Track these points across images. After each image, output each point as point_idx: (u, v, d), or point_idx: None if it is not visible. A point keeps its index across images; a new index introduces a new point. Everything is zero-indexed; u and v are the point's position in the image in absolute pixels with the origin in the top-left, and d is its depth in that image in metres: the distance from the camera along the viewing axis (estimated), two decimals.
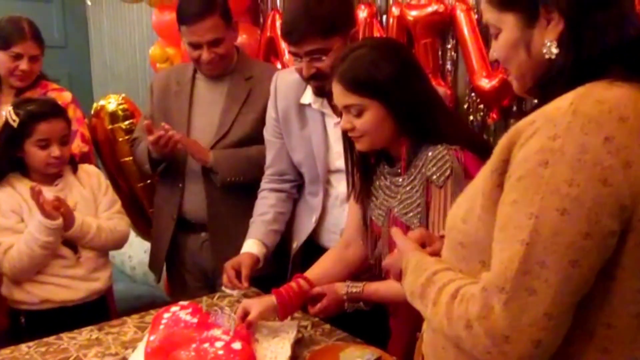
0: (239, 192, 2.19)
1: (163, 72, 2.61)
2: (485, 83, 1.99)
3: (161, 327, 1.55)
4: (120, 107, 2.85)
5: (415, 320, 1.49)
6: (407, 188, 1.51)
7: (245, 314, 1.56)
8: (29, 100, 2.17)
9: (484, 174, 0.98)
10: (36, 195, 1.90)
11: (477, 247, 0.98)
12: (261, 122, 2.10)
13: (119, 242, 2.20)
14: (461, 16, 2.04)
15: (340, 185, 1.87)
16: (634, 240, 0.87)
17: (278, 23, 2.63)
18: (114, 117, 2.83)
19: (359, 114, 1.47)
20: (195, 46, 2.14)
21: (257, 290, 1.90)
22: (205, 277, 2.34)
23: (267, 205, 2.03)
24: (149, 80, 2.90)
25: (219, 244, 2.22)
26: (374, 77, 1.44)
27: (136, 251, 3.57)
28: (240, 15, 2.62)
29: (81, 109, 2.64)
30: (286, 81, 1.97)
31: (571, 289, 0.86)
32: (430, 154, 1.45)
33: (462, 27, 2.03)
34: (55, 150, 2.02)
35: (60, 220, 1.95)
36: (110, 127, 2.82)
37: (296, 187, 2.07)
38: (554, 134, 0.86)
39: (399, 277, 1.16)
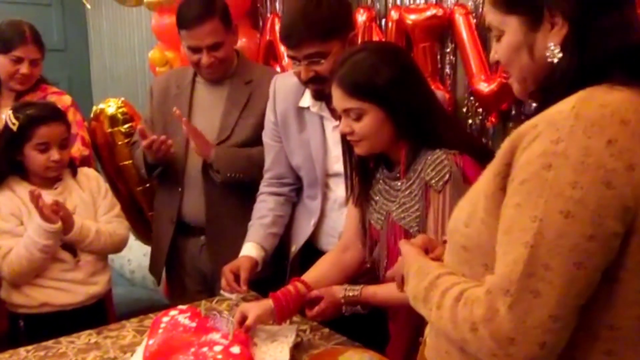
0: (238, 195, 2.19)
1: (163, 75, 2.62)
2: (484, 87, 1.99)
3: (160, 331, 1.55)
4: (120, 110, 2.85)
5: (414, 324, 1.50)
6: (406, 192, 1.51)
7: (244, 317, 1.56)
8: (28, 103, 2.17)
9: (487, 178, 0.98)
10: (35, 199, 1.90)
11: (480, 250, 0.99)
12: (261, 125, 2.09)
13: (118, 246, 2.20)
14: (460, 20, 2.04)
15: (338, 189, 1.87)
16: (637, 242, 0.87)
17: (277, 26, 2.63)
18: (113, 120, 2.83)
19: (358, 118, 1.47)
20: (195, 50, 2.14)
21: (255, 293, 1.90)
22: (204, 281, 2.33)
23: (265, 208, 2.03)
24: (149, 83, 2.91)
25: (218, 247, 2.22)
26: (373, 81, 1.44)
27: (135, 255, 3.57)
28: (239, 19, 2.63)
29: (81, 113, 2.64)
30: (285, 84, 1.97)
31: (576, 291, 0.86)
32: (429, 158, 1.45)
33: (461, 31, 2.04)
34: (54, 154, 2.02)
35: (59, 224, 1.95)
36: (109, 130, 2.82)
37: (295, 190, 2.07)
38: (556, 137, 0.87)
39: (402, 284, 1.16)
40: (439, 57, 2.16)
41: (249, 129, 2.20)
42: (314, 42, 1.71)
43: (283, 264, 2.06)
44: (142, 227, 2.91)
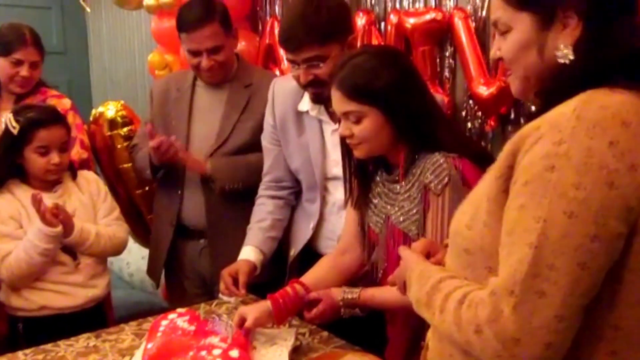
0: (238, 198, 2.19)
1: (163, 78, 2.62)
2: (483, 90, 2.00)
3: (159, 334, 1.55)
4: (119, 113, 2.85)
5: (412, 327, 1.50)
6: (405, 195, 1.51)
7: (243, 321, 1.55)
8: (28, 107, 2.17)
9: (489, 180, 0.98)
10: (37, 203, 1.90)
11: (483, 253, 0.99)
12: (260, 129, 2.09)
13: (118, 249, 2.20)
14: (459, 24, 2.05)
15: (337, 192, 1.87)
16: None
17: (277, 30, 2.64)
18: (112, 123, 2.84)
19: (357, 121, 1.48)
20: (195, 53, 2.15)
21: (254, 297, 1.90)
22: (204, 284, 2.33)
23: (264, 212, 2.03)
24: (148, 86, 2.91)
25: (218, 250, 2.22)
26: (373, 84, 1.45)
27: (134, 258, 3.56)
28: (239, 22, 2.63)
29: (80, 116, 2.64)
30: (284, 88, 1.98)
31: (580, 291, 0.86)
32: (428, 161, 1.45)
33: (460, 35, 2.05)
34: (54, 157, 2.02)
35: (59, 228, 1.95)
36: (109, 133, 2.83)
37: (294, 194, 2.07)
38: (559, 139, 0.87)
39: (404, 289, 1.16)
40: (438, 60, 2.17)
41: (247, 132, 2.20)
42: (313, 46, 1.71)
43: (282, 267, 2.06)
44: (141, 230, 2.92)
